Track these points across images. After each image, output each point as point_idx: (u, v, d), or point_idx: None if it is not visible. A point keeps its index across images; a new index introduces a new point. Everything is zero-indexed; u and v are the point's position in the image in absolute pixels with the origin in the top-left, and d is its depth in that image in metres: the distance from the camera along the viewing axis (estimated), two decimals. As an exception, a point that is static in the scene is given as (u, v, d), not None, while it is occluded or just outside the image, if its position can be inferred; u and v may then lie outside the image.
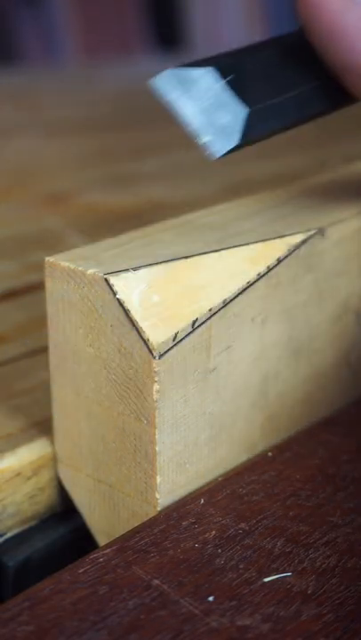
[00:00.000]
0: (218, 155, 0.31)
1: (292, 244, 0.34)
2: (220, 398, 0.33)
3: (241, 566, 0.29)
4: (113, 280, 0.30)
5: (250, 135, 0.31)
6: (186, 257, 0.32)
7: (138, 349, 0.30)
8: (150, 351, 0.30)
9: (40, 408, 0.37)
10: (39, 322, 0.46)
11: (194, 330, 0.31)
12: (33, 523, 0.36)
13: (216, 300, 0.31)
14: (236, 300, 0.32)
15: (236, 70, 0.31)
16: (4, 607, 0.27)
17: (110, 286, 0.30)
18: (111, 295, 0.30)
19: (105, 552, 0.29)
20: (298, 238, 0.34)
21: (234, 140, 0.30)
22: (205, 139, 0.31)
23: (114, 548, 0.29)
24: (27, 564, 0.34)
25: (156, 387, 0.30)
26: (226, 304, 0.32)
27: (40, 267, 0.33)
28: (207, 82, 0.30)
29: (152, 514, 0.32)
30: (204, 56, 0.31)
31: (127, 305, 0.30)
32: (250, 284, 0.33)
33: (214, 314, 0.31)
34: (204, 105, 0.30)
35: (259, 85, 0.32)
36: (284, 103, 0.32)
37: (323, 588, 0.28)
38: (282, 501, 0.32)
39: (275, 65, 0.33)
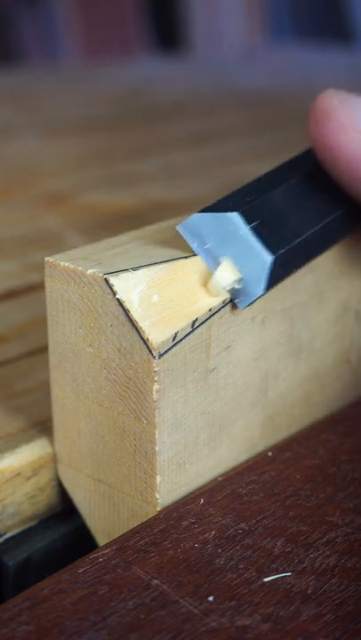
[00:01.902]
0: (243, 305, 0.31)
1: (292, 243, 0.34)
2: (219, 398, 0.33)
3: (241, 566, 0.29)
4: (113, 280, 0.30)
5: (274, 281, 0.31)
6: (186, 257, 0.32)
7: (138, 349, 0.30)
8: (150, 351, 0.30)
9: (40, 408, 0.37)
10: (39, 322, 0.46)
11: (194, 330, 0.31)
12: (33, 523, 0.36)
13: (216, 300, 0.31)
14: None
15: (261, 212, 0.31)
16: (3, 607, 0.27)
17: (110, 286, 0.30)
18: (111, 295, 0.30)
19: (105, 552, 0.29)
20: (298, 238, 0.34)
21: (259, 290, 0.31)
22: (231, 287, 0.31)
23: (114, 547, 0.29)
24: (27, 564, 0.34)
25: (155, 386, 0.30)
26: (226, 304, 0.32)
27: (40, 267, 0.33)
28: (233, 227, 0.31)
29: (152, 514, 0.32)
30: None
31: (127, 305, 0.30)
32: (250, 284, 0.32)
33: (214, 314, 0.31)
34: (230, 252, 0.31)
35: (282, 225, 0.32)
36: (307, 240, 0.33)
37: (323, 587, 0.28)
38: (282, 501, 0.32)
39: (295, 199, 0.33)
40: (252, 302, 0.31)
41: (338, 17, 2.03)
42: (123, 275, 0.30)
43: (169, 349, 0.30)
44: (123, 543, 0.30)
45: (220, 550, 0.29)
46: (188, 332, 0.30)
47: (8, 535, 0.35)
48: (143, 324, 0.30)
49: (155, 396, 0.30)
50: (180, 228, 0.32)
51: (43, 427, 0.36)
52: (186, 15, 1.96)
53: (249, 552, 0.29)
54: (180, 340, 0.30)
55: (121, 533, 0.31)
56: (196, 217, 0.31)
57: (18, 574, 0.34)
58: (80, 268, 0.31)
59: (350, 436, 0.36)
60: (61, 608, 0.27)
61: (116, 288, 0.30)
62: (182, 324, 0.30)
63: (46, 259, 0.32)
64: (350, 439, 0.36)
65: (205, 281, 0.31)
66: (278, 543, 0.30)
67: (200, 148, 0.85)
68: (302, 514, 0.31)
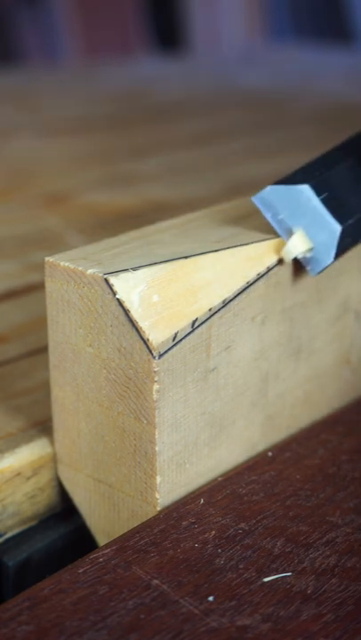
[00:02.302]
0: (317, 271, 0.33)
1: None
2: (219, 398, 0.33)
3: (241, 566, 0.29)
4: (113, 280, 0.30)
5: (342, 250, 0.33)
6: (186, 257, 0.32)
7: (138, 349, 0.30)
8: (150, 351, 0.30)
9: (40, 408, 0.37)
10: (39, 322, 0.46)
11: (194, 330, 0.31)
12: (33, 523, 0.36)
13: (216, 300, 0.31)
14: (235, 299, 0.32)
15: (327, 185, 0.34)
16: (4, 607, 0.27)
17: (110, 286, 0.30)
18: (111, 295, 0.30)
19: (105, 552, 0.29)
20: (298, 238, 0.34)
21: (330, 257, 0.33)
22: (305, 255, 0.33)
23: (114, 547, 0.29)
24: (27, 563, 0.34)
25: (155, 387, 0.30)
26: (226, 304, 0.32)
27: (40, 267, 0.33)
28: (304, 199, 0.33)
29: (152, 514, 0.32)
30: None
31: (127, 305, 0.30)
32: (250, 284, 0.33)
33: (214, 314, 0.31)
34: (303, 222, 0.33)
35: (346, 199, 0.34)
36: None
37: (323, 587, 0.28)
38: (282, 501, 0.32)
39: (355, 176, 0.35)
40: (323, 270, 0.33)
41: (338, 17, 2.03)
42: (123, 275, 0.30)
43: (169, 349, 0.30)
44: (123, 543, 0.30)
45: (220, 550, 0.29)
46: (188, 332, 0.30)
47: (8, 535, 0.35)
48: (143, 324, 0.30)
49: (155, 396, 0.30)
50: (254, 199, 0.33)
51: (43, 427, 0.36)
52: (186, 15, 1.96)
53: (249, 552, 0.29)
54: (180, 340, 0.30)
55: (121, 533, 0.31)
56: (270, 189, 0.33)
57: (18, 574, 0.34)
58: (80, 268, 0.31)
59: (350, 435, 0.36)
60: (61, 608, 0.27)
61: (116, 288, 0.30)
62: (182, 324, 0.30)
63: (46, 259, 0.32)
64: (350, 439, 0.36)
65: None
66: (278, 543, 0.30)
67: (200, 147, 0.85)
68: (302, 514, 0.31)
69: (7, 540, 0.35)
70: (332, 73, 1.24)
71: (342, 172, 0.34)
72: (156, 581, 0.28)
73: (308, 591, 0.28)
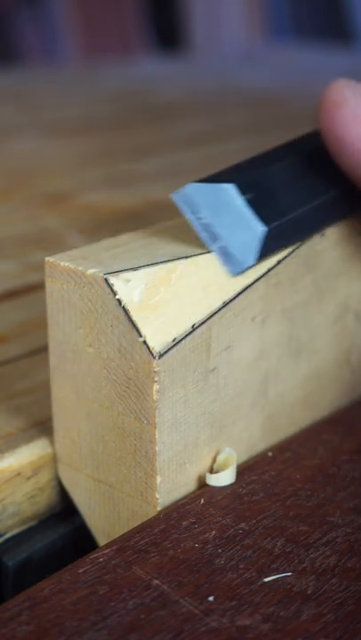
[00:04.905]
0: (237, 272, 0.32)
1: (292, 243, 0.34)
2: (219, 398, 0.33)
3: (241, 566, 0.29)
4: (113, 280, 0.30)
5: (266, 253, 0.32)
6: (186, 257, 0.32)
7: (138, 349, 0.30)
8: (150, 351, 0.30)
9: (40, 408, 0.37)
10: (39, 322, 0.46)
11: (193, 330, 0.31)
12: (33, 523, 0.36)
13: (216, 300, 0.31)
14: (235, 300, 0.32)
15: (256, 185, 0.32)
16: (4, 607, 0.27)
17: (110, 286, 0.30)
18: (111, 295, 0.30)
19: (105, 552, 0.29)
20: (298, 238, 0.34)
21: (250, 260, 0.32)
22: (224, 257, 0.32)
23: (114, 547, 0.29)
24: (27, 563, 0.34)
25: (156, 387, 0.30)
26: (225, 304, 0.32)
27: (40, 267, 0.33)
28: (228, 198, 0.31)
29: (152, 514, 0.32)
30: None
31: (127, 305, 0.30)
32: (250, 285, 0.33)
33: (214, 314, 0.31)
34: (226, 222, 0.31)
35: (277, 200, 0.32)
36: (303, 216, 0.33)
37: (323, 588, 0.28)
38: (282, 501, 0.32)
39: (293, 176, 0.33)
40: (243, 272, 0.32)
41: (338, 17, 2.03)
42: (123, 275, 0.30)
43: (169, 349, 0.30)
44: (123, 543, 0.30)
45: (220, 550, 0.29)
46: (188, 332, 0.30)
47: (8, 535, 0.35)
48: (143, 325, 0.30)
49: (155, 397, 0.30)
50: (174, 197, 0.32)
51: (43, 427, 0.36)
52: (186, 15, 1.96)
53: (249, 552, 0.29)
54: (181, 340, 0.30)
55: (121, 533, 0.31)
56: (192, 187, 0.32)
57: (18, 574, 0.34)
58: (80, 268, 0.31)
59: (350, 435, 0.36)
60: (61, 608, 0.27)
61: (116, 288, 0.30)
62: (182, 324, 0.30)
63: (46, 259, 0.32)
64: (350, 439, 0.36)
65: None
66: (278, 543, 0.30)
67: (200, 147, 0.85)
68: (302, 514, 0.31)
69: (7, 540, 0.35)
70: (332, 73, 1.24)
71: (275, 173, 0.33)
72: (156, 581, 0.28)
73: (309, 591, 0.28)
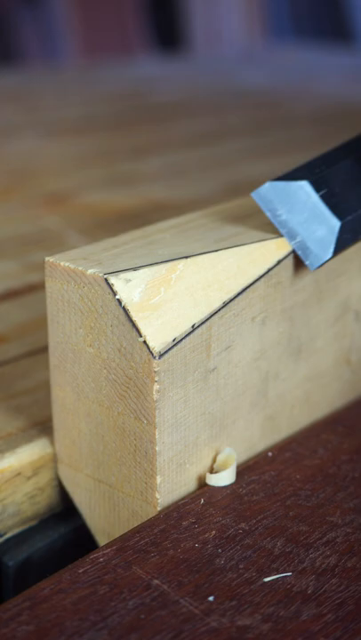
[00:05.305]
0: (316, 266, 0.33)
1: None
2: (219, 398, 0.33)
3: (241, 566, 0.29)
4: (113, 280, 0.30)
5: (341, 245, 0.34)
6: (186, 257, 0.32)
7: (138, 349, 0.30)
8: (150, 351, 0.30)
9: (40, 408, 0.37)
10: (39, 322, 0.46)
11: (194, 330, 0.31)
12: (33, 523, 0.36)
13: (216, 300, 0.31)
14: (235, 299, 0.32)
15: (327, 182, 0.34)
16: (4, 607, 0.27)
17: (110, 286, 0.30)
18: (111, 295, 0.30)
19: (105, 552, 0.29)
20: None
21: (329, 253, 0.33)
22: (302, 252, 0.33)
23: (114, 547, 0.29)
24: (27, 563, 0.34)
25: (156, 387, 0.30)
26: (226, 304, 0.32)
27: (40, 267, 0.33)
28: (303, 195, 0.33)
29: (152, 514, 0.32)
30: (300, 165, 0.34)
31: (127, 305, 0.30)
32: (250, 284, 0.33)
33: (214, 314, 0.31)
34: (302, 218, 0.33)
35: (346, 196, 0.34)
36: None
37: (323, 587, 0.28)
38: (282, 501, 0.32)
39: (356, 174, 0.35)
40: (322, 265, 0.33)
41: (338, 17, 2.03)
42: (123, 275, 0.30)
43: (169, 349, 0.30)
44: (123, 543, 0.30)
45: (220, 550, 0.29)
46: (188, 332, 0.30)
47: (8, 535, 0.35)
48: (143, 324, 0.30)
49: (155, 396, 0.30)
50: (253, 195, 0.34)
51: (43, 427, 0.36)
52: (186, 15, 1.96)
53: (249, 552, 0.29)
54: (181, 340, 0.30)
55: (121, 533, 0.31)
56: (269, 185, 0.33)
57: (18, 574, 0.34)
58: (80, 268, 0.31)
59: (350, 435, 0.36)
60: (61, 608, 0.27)
61: (116, 288, 0.30)
62: (182, 324, 0.30)
63: (46, 259, 0.32)
64: (350, 439, 0.36)
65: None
66: (278, 543, 0.30)
67: (200, 147, 0.85)
68: (302, 514, 0.31)
69: (7, 540, 0.35)
70: (332, 73, 1.24)
71: (342, 170, 0.35)
72: (156, 581, 0.28)
73: (309, 591, 0.28)
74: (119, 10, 1.90)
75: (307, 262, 0.33)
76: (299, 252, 0.33)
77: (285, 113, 1.00)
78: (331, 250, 0.33)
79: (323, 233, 0.33)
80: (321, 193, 0.33)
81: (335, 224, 0.33)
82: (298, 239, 0.33)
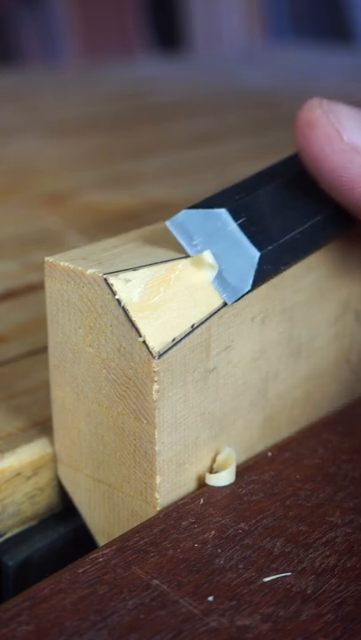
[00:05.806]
0: (231, 301, 0.31)
1: (292, 243, 0.34)
2: (219, 398, 0.33)
3: (241, 566, 0.29)
4: (112, 280, 0.30)
5: (261, 277, 0.32)
6: (186, 257, 0.32)
7: (137, 349, 0.30)
8: (150, 351, 0.30)
9: (40, 408, 0.37)
10: (39, 322, 0.46)
11: (193, 330, 0.31)
12: (33, 523, 0.36)
13: (216, 300, 0.31)
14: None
15: (247, 210, 0.32)
16: (4, 607, 0.27)
17: (110, 286, 0.30)
18: (111, 295, 0.30)
19: (105, 552, 0.29)
20: (298, 238, 0.34)
21: (248, 285, 0.31)
22: (220, 285, 0.31)
23: (114, 547, 0.29)
24: (27, 563, 0.34)
25: (155, 387, 0.30)
26: (225, 304, 0.32)
27: (40, 267, 0.33)
28: (221, 223, 0.31)
29: (152, 514, 0.32)
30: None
31: (127, 305, 0.30)
32: (249, 284, 0.32)
33: (214, 314, 0.31)
34: (218, 248, 0.31)
35: (267, 225, 0.32)
36: (294, 239, 0.33)
37: (322, 587, 0.28)
38: (282, 501, 0.32)
39: (282, 199, 0.33)
40: (240, 298, 0.31)
41: (338, 17, 2.03)
42: (123, 275, 0.30)
43: (169, 349, 0.30)
44: (123, 543, 0.30)
45: (219, 550, 0.29)
46: (187, 332, 0.30)
47: (8, 535, 0.35)
48: (143, 325, 0.30)
49: (154, 396, 0.30)
50: (168, 224, 0.32)
51: (43, 427, 0.36)
52: (186, 15, 1.96)
53: (249, 552, 0.29)
54: (180, 340, 0.30)
55: (121, 533, 0.31)
56: (184, 213, 0.32)
57: (18, 574, 0.34)
58: (80, 268, 0.31)
59: (350, 435, 0.36)
60: (61, 608, 0.27)
61: (115, 288, 0.30)
62: (182, 324, 0.30)
63: (46, 259, 0.32)
64: (350, 439, 0.36)
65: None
66: (278, 543, 0.30)
67: (200, 147, 0.85)
68: (302, 514, 0.31)
69: (7, 540, 0.35)
70: (332, 73, 1.24)
71: (263, 197, 0.33)
72: (155, 581, 0.28)
73: (308, 591, 0.28)
74: (119, 10, 1.90)
75: (223, 295, 0.31)
76: (215, 284, 0.31)
77: (285, 113, 0.99)
78: (250, 282, 0.31)
79: (241, 264, 0.31)
80: (240, 221, 0.31)
81: (254, 254, 0.31)
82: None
